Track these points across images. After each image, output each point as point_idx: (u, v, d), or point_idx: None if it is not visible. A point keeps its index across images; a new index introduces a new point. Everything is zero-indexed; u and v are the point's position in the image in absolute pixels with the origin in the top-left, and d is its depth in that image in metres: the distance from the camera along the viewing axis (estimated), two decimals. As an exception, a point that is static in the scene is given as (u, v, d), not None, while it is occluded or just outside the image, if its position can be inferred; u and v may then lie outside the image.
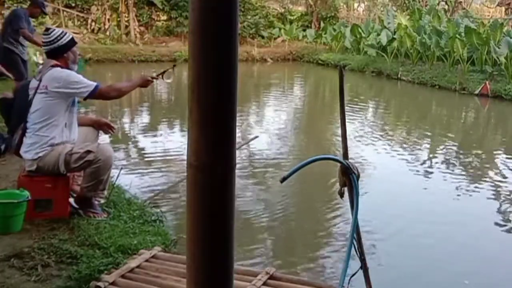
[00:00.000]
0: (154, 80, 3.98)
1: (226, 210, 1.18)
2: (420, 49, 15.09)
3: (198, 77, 1.11)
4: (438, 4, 20.83)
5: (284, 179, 1.92)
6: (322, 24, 21.53)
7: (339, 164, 2.22)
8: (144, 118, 9.49)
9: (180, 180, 5.19)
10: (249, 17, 20.76)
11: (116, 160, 4.70)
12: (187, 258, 1.20)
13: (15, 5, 16.81)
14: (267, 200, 5.00)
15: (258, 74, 17.30)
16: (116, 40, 18.39)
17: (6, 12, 16.70)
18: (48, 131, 3.52)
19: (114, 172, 4.14)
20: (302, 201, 5.13)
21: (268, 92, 13.06)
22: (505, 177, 5.96)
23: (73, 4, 18.89)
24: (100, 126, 4.03)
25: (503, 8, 23.41)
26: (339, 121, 2.26)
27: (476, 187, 5.56)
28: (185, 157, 1.16)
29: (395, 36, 16.45)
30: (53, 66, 3.59)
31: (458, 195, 5.30)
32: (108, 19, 18.83)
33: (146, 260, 2.97)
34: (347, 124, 2.28)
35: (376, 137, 7.84)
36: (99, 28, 18.77)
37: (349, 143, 2.30)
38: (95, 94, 3.57)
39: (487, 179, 5.85)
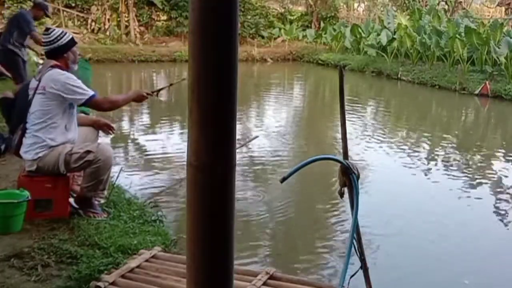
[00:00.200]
0: (149, 96, 3.99)
1: (226, 210, 1.18)
2: (420, 49, 15.09)
3: (198, 77, 1.11)
4: (438, 4, 20.84)
5: (284, 179, 1.92)
6: (322, 24, 21.54)
7: (339, 164, 2.21)
8: (144, 118, 9.49)
9: (180, 180, 5.19)
10: (249, 17, 20.76)
11: (116, 160, 4.71)
12: (187, 258, 1.20)
13: (15, 5, 16.84)
14: (267, 200, 5.00)
15: (258, 74, 17.31)
16: (116, 40, 18.39)
17: (6, 12, 16.76)
18: (47, 132, 3.52)
19: (114, 172, 4.14)
20: (302, 201, 5.13)
21: (268, 92, 13.06)
22: (505, 177, 5.96)
23: (73, 4, 18.89)
24: (100, 127, 4.03)
25: (503, 8, 23.41)
26: (339, 121, 2.26)
27: (476, 187, 5.56)
28: (185, 157, 1.16)
29: (395, 36, 16.46)
30: (52, 66, 3.59)
31: (458, 195, 5.29)
32: (108, 19, 18.84)
33: (146, 260, 2.97)
34: (347, 124, 2.28)
35: (376, 137, 7.83)
36: (99, 28, 18.78)
37: (349, 143, 2.30)
38: (89, 103, 3.57)
39: (487, 179, 5.85)
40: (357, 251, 2.28)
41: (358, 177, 2.21)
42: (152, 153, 6.52)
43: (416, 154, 6.98)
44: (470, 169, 6.20)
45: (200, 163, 1.13)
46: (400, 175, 5.99)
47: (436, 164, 6.54)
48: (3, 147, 4.88)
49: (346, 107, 2.52)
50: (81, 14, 19.03)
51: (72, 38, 3.72)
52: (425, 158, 6.86)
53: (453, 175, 5.93)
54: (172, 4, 19.75)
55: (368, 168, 6.08)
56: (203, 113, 1.12)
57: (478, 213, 4.90)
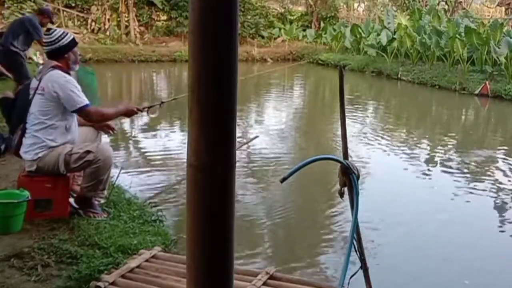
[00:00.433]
0: (139, 112, 3.99)
1: (226, 210, 1.18)
2: (420, 49, 15.09)
3: (198, 77, 1.11)
4: (438, 4, 20.84)
5: (284, 179, 1.92)
6: (322, 24, 21.55)
7: (339, 164, 2.21)
8: (144, 118, 9.48)
9: (180, 180, 5.20)
10: (249, 17, 20.77)
11: (116, 160, 4.71)
12: (187, 258, 1.20)
13: (15, 5, 16.83)
14: (267, 199, 5.00)
15: (258, 74, 17.29)
16: (116, 40, 18.39)
17: (6, 12, 16.75)
18: (47, 132, 3.52)
19: (114, 172, 4.14)
20: (302, 201, 5.13)
21: (268, 92, 13.06)
22: (505, 177, 5.96)
23: (73, 4, 18.89)
24: (100, 127, 4.03)
25: (503, 8, 23.41)
26: (339, 121, 2.26)
27: (476, 187, 5.55)
28: (185, 157, 1.16)
29: (395, 36, 16.46)
30: (53, 67, 3.59)
31: (458, 195, 5.29)
32: (108, 19, 18.84)
33: (146, 260, 2.97)
34: (347, 124, 2.28)
35: (376, 137, 7.83)
36: (99, 28, 18.78)
37: (349, 143, 2.30)
38: (81, 112, 3.56)
39: (487, 179, 5.85)
40: (357, 251, 2.28)
41: (358, 177, 2.21)
42: (152, 153, 6.52)
43: (416, 154, 6.98)
44: (470, 169, 6.20)
45: (200, 163, 1.13)
46: (400, 175, 5.99)
47: (436, 164, 6.54)
48: (3, 147, 4.88)
49: (346, 107, 2.52)
50: (81, 14, 19.03)
51: (73, 39, 3.72)
52: (425, 158, 6.86)
53: (453, 175, 5.93)
54: (172, 4, 19.75)
55: (368, 168, 6.08)
56: (203, 113, 1.12)
57: (478, 213, 4.89)
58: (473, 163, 6.47)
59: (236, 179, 1.19)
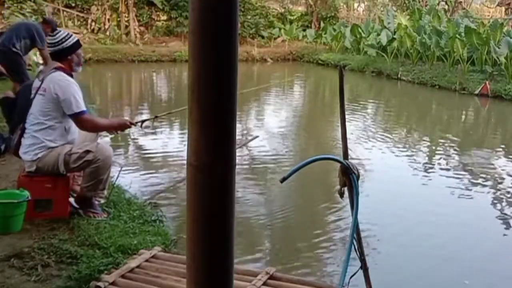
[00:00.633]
0: (132, 126, 3.98)
1: (226, 210, 1.18)
2: (420, 49, 15.09)
3: (198, 77, 1.11)
4: (438, 4, 20.84)
5: (284, 179, 1.92)
6: (322, 24, 21.55)
7: (339, 164, 2.21)
8: (144, 118, 9.48)
9: (180, 180, 5.19)
10: (249, 17, 20.77)
11: (116, 160, 4.71)
12: (187, 258, 1.20)
13: (15, 5, 16.83)
14: (267, 199, 5.00)
15: (258, 74, 17.31)
16: (116, 40, 18.40)
17: (6, 12, 16.75)
18: (46, 133, 3.52)
19: (114, 172, 4.14)
20: (302, 200, 5.13)
21: (268, 92, 13.05)
22: (505, 177, 5.96)
23: (73, 4, 18.89)
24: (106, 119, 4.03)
25: (503, 8, 23.42)
26: (339, 121, 2.26)
27: (476, 187, 5.55)
28: (185, 157, 1.16)
29: (395, 36, 16.46)
30: (57, 68, 3.59)
31: (458, 195, 5.29)
32: (108, 19, 18.84)
33: (146, 260, 2.97)
34: (347, 124, 2.28)
35: (376, 137, 7.83)
36: (99, 28, 18.78)
37: (349, 143, 2.30)
38: (76, 118, 3.55)
39: (487, 179, 5.84)
40: (357, 251, 2.28)
41: (358, 177, 2.21)
42: (152, 153, 6.51)
43: (416, 154, 6.98)
44: (470, 169, 6.20)
45: (200, 163, 1.13)
46: (400, 175, 5.99)
47: (436, 164, 6.53)
48: (3, 147, 4.88)
49: (346, 107, 2.52)
50: (81, 14, 19.03)
51: (77, 41, 3.71)
52: (425, 158, 6.86)
53: (453, 175, 5.93)
54: (172, 4, 19.75)
55: (368, 168, 6.08)
56: (203, 113, 1.12)
57: (478, 213, 4.89)
58: (473, 163, 6.47)
59: (236, 179, 1.19)
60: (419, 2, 22.37)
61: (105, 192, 3.81)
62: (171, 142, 7.24)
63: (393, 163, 6.57)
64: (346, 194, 2.25)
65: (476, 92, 11.87)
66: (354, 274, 2.29)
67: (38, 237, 3.28)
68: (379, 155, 6.88)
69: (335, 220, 4.50)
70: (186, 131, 1.15)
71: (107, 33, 18.55)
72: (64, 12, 18.52)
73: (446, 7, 22.11)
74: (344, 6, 24.85)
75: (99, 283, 2.65)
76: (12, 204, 3.31)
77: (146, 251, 3.11)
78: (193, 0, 1.08)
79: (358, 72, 15.94)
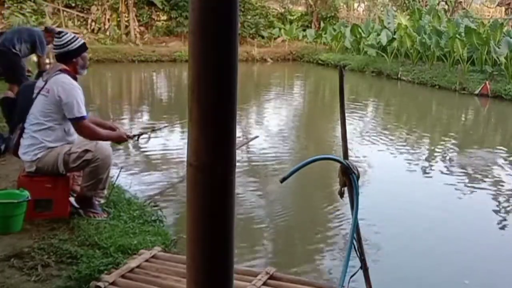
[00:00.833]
0: (129, 140, 4.02)
1: (226, 210, 1.18)
2: (420, 49, 15.09)
3: (198, 77, 1.11)
4: (438, 4, 20.85)
5: (284, 179, 1.92)
6: (322, 24, 21.55)
7: (339, 164, 2.21)
8: (144, 118, 9.49)
9: (180, 180, 5.19)
10: (249, 17, 20.77)
11: (116, 160, 4.71)
12: (187, 258, 1.20)
13: (15, 5, 16.83)
14: (267, 199, 5.00)
15: (258, 74, 17.31)
16: (116, 40, 18.40)
17: (6, 12, 16.74)
18: (45, 134, 3.52)
19: (114, 172, 4.15)
20: (302, 200, 5.13)
21: (268, 92, 13.06)
22: (505, 177, 5.96)
23: (73, 4, 18.89)
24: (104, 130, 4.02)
25: (503, 8, 23.42)
26: (339, 121, 2.26)
27: (476, 187, 5.55)
28: (185, 157, 1.16)
29: (395, 36, 16.46)
30: (61, 70, 3.59)
31: (458, 195, 5.30)
32: (108, 19, 18.84)
33: (146, 260, 2.97)
34: (347, 124, 2.28)
35: (376, 137, 7.83)
36: (99, 28, 18.79)
37: (349, 143, 2.30)
38: (75, 122, 3.55)
39: (487, 179, 5.85)
40: (357, 251, 2.28)
41: (358, 177, 2.21)
42: (152, 153, 6.51)
43: (416, 154, 6.99)
44: (470, 169, 6.20)
45: (200, 163, 1.13)
46: (400, 175, 5.99)
47: (436, 164, 6.54)
48: (3, 147, 4.88)
49: (346, 107, 2.52)
50: (81, 14, 19.03)
51: (83, 44, 3.71)
52: (425, 158, 6.86)
53: (453, 175, 5.93)
54: (172, 4, 19.75)
55: (368, 168, 6.08)
56: (203, 113, 1.12)
57: (478, 213, 4.89)
58: (473, 163, 6.47)
59: (236, 179, 1.19)
60: (419, 2, 22.37)
61: (105, 191, 3.81)
62: (171, 142, 7.23)
63: (393, 163, 6.57)
64: (346, 194, 2.25)
65: (476, 92, 11.87)
66: (354, 274, 2.29)
67: (38, 237, 3.28)
68: (379, 155, 6.88)
69: (335, 220, 4.50)
70: (186, 131, 1.15)
71: (107, 33, 18.55)
72: (64, 12, 18.52)
73: (446, 7, 22.11)
74: (344, 6, 24.85)
75: (99, 283, 2.65)
76: (12, 204, 3.31)
77: (146, 251, 3.11)
78: (193, 0, 1.08)
79: (358, 72, 15.94)
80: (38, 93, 3.57)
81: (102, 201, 3.80)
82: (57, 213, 3.57)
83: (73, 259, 3.02)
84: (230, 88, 1.12)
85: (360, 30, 18.14)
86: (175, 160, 6.12)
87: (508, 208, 5.01)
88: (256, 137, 7.34)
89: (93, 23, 18.78)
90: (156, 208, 4.31)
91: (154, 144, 6.98)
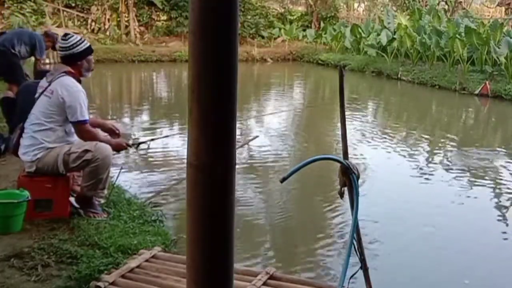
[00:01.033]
0: (128, 148, 4.01)
1: (226, 210, 1.18)
2: (420, 49, 15.09)
3: (198, 77, 1.11)
4: (438, 4, 20.84)
5: (284, 179, 1.92)
6: (322, 24, 21.55)
7: (339, 164, 2.21)
8: (144, 118, 9.49)
9: (180, 180, 5.19)
10: (249, 17, 20.77)
11: (116, 160, 4.71)
12: (187, 258, 1.20)
13: (15, 5, 16.83)
14: (267, 200, 5.00)
15: (258, 74, 17.31)
16: (116, 40, 18.40)
17: (6, 12, 16.75)
18: (45, 134, 3.52)
19: (114, 172, 4.14)
20: (302, 200, 5.13)
21: (268, 92, 13.06)
22: (505, 177, 5.96)
23: (73, 4, 18.90)
24: (105, 131, 4.03)
25: (503, 8, 23.41)
26: (339, 121, 2.26)
27: (476, 187, 5.55)
28: (185, 157, 1.16)
29: (395, 36, 16.46)
30: (66, 72, 3.59)
31: (458, 195, 5.29)
32: (108, 19, 18.85)
33: (146, 260, 2.97)
34: (347, 124, 2.28)
35: (376, 137, 7.84)
36: (99, 28, 18.79)
37: (349, 143, 2.30)
38: (77, 125, 3.56)
39: (487, 179, 5.84)
40: (357, 251, 2.28)
41: (358, 177, 2.21)
42: (152, 152, 6.51)
43: (416, 154, 6.98)
44: (470, 169, 6.20)
45: (200, 163, 1.13)
46: (400, 175, 5.99)
47: (436, 164, 6.53)
48: (3, 147, 4.88)
49: (346, 107, 2.52)
50: (81, 14, 19.03)
51: (89, 47, 3.71)
52: (425, 158, 6.86)
53: (453, 175, 5.93)
54: (172, 4, 19.75)
55: (369, 168, 6.08)
56: (203, 113, 1.12)
57: (478, 213, 4.89)
58: (473, 163, 6.47)
59: (236, 179, 1.19)
60: (419, 2, 22.37)
61: (105, 191, 3.81)
62: (171, 142, 7.23)
63: (393, 163, 6.57)
64: (346, 194, 2.25)
65: (476, 92, 11.87)
66: (354, 274, 2.29)
67: (38, 237, 3.28)
68: (379, 155, 6.88)
69: (335, 220, 4.50)
70: (186, 130, 1.15)
71: (107, 33, 18.56)
72: (64, 12, 18.52)
73: (446, 7, 22.11)
74: (344, 6, 24.86)
75: (99, 283, 2.65)
76: (12, 204, 3.31)
77: (146, 251, 3.11)
78: (193, 0, 1.08)
79: (358, 72, 15.94)
80: (41, 93, 3.57)
81: (102, 201, 3.80)
82: (57, 213, 3.57)
83: (73, 259, 3.02)
84: (230, 88, 1.12)
85: (360, 30, 18.14)
86: (175, 160, 6.12)
87: (508, 208, 5.01)
88: (256, 137, 7.34)
89: (93, 23, 18.79)
90: (156, 208, 4.31)
91: (154, 144, 6.98)
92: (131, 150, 4.19)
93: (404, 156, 6.83)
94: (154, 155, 6.35)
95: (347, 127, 2.29)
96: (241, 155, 6.36)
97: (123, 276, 2.77)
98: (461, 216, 4.80)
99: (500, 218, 4.76)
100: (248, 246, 3.90)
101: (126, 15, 18.82)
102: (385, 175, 5.94)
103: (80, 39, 3.69)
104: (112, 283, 2.69)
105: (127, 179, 5.02)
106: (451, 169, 6.23)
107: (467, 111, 11.28)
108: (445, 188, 5.47)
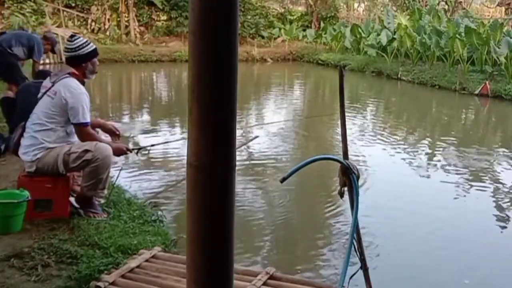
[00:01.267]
0: (128, 152, 4.01)
1: (226, 210, 1.18)
2: (420, 49, 15.10)
3: (198, 77, 1.11)
4: (438, 4, 20.85)
5: (284, 179, 1.92)
6: (322, 24, 21.56)
7: (339, 164, 2.21)
8: (145, 118, 9.49)
9: (180, 180, 5.19)
10: (249, 17, 20.78)
11: (116, 160, 4.70)
12: (187, 258, 1.20)
13: (15, 5, 16.83)
14: (267, 200, 5.00)
15: (258, 74, 17.31)
16: (116, 40, 18.41)
17: (6, 12, 16.74)
18: (46, 134, 3.52)
19: (114, 172, 4.14)
20: (302, 201, 5.13)
21: (268, 92, 13.06)
22: (505, 177, 5.95)
23: (73, 4, 18.90)
24: (106, 132, 4.03)
25: (503, 8, 23.42)
26: (339, 121, 2.26)
27: (476, 186, 5.55)
28: (185, 157, 1.16)
29: (395, 36, 16.47)
30: (70, 74, 3.59)
31: (458, 194, 5.29)
32: (108, 19, 18.85)
33: (146, 260, 2.97)
34: (347, 124, 2.28)
35: (376, 137, 7.83)
36: (99, 28, 18.80)
37: (349, 143, 2.30)
38: (78, 127, 3.56)
39: (487, 179, 5.85)
40: (357, 251, 2.28)
41: (358, 177, 2.21)
42: (152, 152, 6.51)
43: (416, 154, 6.98)
44: (470, 169, 6.20)
45: (200, 163, 1.13)
46: (400, 175, 5.99)
47: (436, 164, 6.53)
48: (3, 147, 4.88)
49: (346, 107, 2.52)
50: (81, 14, 19.03)
51: (94, 49, 3.71)
52: (425, 158, 6.86)
53: (453, 175, 5.93)
54: (172, 4, 19.76)
55: (368, 168, 6.08)
56: (203, 113, 1.12)
57: (478, 213, 4.89)
58: (473, 163, 6.47)
59: (236, 179, 1.19)
60: (419, 2, 22.38)
61: (105, 191, 3.80)
62: (171, 142, 7.23)
63: (393, 163, 6.57)
64: (346, 194, 2.25)
65: (476, 92, 11.87)
66: (354, 274, 2.29)
67: (38, 237, 3.28)
68: (379, 155, 6.88)
69: (335, 220, 4.50)
70: (186, 131, 1.15)
71: (107, 33, 18.56)
72: (64, 12, 18.52)
73: (446, 7, 22.12)
74: (344, 6, 24.87)
75: (99, 283, 2.65)
76: (12, 204, 3.31)
77: (146, 251, 3.11)
78: (193, 0, 1.08)
79: (358, 72, 15.94)
80: (44, 93, 3.57)
81: (102, 201, 3.80)
82: (57, 213, 3.57)
83: (73, 259, 3.02)
84: (230, 88, 1.12)
85: (360, 30, 18.15)
86: (175, 160, 6.12)
87: (508, 208, 5.01)
88: (256, 137, 7.34)
89: (93, 23, 18.79)
90: (156, 208, 4.31)
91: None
92: (131, 154, 4.19)
93: (404, 156, 6.83)
94: (154, 155, 6.35)
95: (347, 127, 2.29)
96: (241, 155, 6.36)
97: (123, 276, 2.77)
98: (461, 216, 4.80)
99: (500, 218, 4.76)
100: (248, 246, 3.89)
101: (126, 15, 18.82)
102: (385, 175, 5.94)
103: (86, 41, 3.70)
104: (112, 283, 2.69)
105: (127, 179, 5.02)
106: (451, 169, 6.23)
107: (467, 111, 11.28)
108: (445, 188, 5.47)
